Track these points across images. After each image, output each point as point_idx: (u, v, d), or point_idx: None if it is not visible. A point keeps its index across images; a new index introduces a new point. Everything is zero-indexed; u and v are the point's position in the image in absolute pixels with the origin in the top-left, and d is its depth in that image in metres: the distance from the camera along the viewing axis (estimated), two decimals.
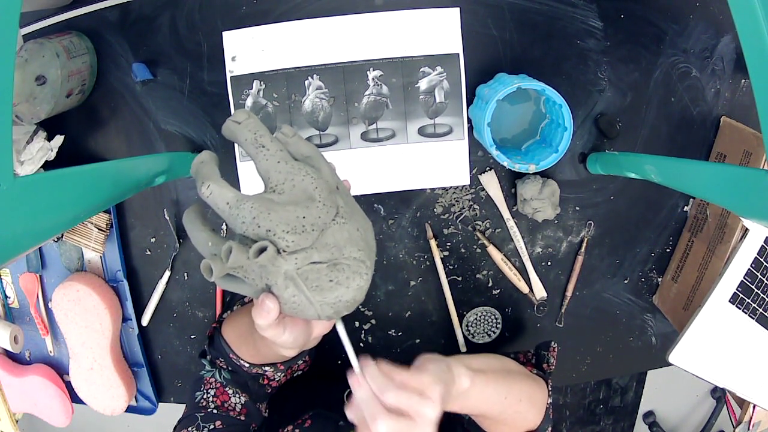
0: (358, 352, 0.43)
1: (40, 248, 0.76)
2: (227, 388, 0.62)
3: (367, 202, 0.73)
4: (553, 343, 0.68)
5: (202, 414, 0.59)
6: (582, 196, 0.75)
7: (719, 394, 1.69)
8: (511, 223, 0.74)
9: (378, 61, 0.69)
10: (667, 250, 0.78)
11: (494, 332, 0.78)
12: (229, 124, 0.42)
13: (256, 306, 0.41)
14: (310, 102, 0.70)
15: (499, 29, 0.69)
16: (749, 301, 0.65)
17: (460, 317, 0.77)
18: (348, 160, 0.71)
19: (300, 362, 0.65)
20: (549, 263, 0.77)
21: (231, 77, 0.69)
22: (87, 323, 0.73)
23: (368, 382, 0.42)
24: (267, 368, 0.61)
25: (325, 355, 0.72)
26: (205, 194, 0.40)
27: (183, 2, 0.68)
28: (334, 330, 0.46)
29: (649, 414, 1.74)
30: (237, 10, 0.68)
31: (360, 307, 0.75)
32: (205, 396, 0.61)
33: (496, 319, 0.77)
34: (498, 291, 0.77)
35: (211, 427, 0.58)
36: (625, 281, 0.79)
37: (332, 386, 0.66)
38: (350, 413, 0.43)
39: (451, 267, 0.75)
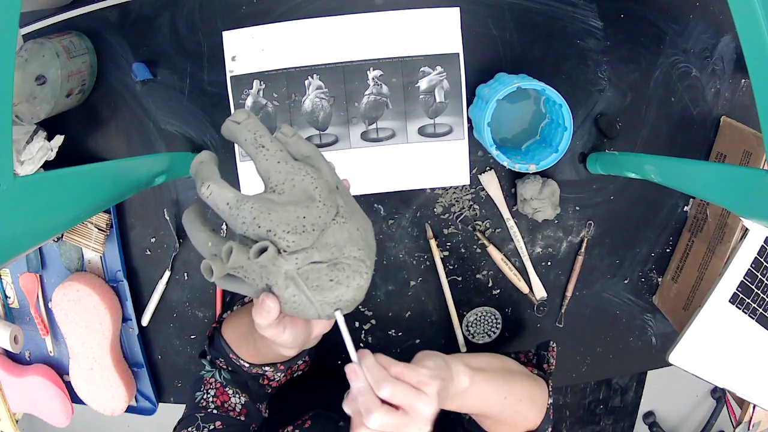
0: (358, 350, 0.43)
1: (40, 248, 0.76)
2: (227, 389, 0.62)
3: (367, 202, 0.73)
4: (552, 343, 0.68)
5: (202, 414, 0.59)
6: (582, 196, 0.75)
7: (719, 394, 1.69)
8: (511, 223, 0.74)
9: (378, 60, 0.69)
10: (667, 250, 0.78)
11: (494, 332, 0.78)
12: (228, 124, 0.42)
13: (256, 306, 0.41)
14: (310, 102, 0.70)
15: (499, 29, 0.69)
16: (749, 301, 0.65)
17: (460, 317, 0.77)
18: (348, 159, 0.71)
19: (300, 362, 0.65)
20: (549, 263, 0.77)
21: (231, 77, 0.69)
22: (87, 323, 0.73)
23: (365, 373, 0.41)
24: (267, 368, 0.61)
25: (325, 355, 0.72)
26: (204, 194, 0.40)
27: (183, 2, 0.68)
28: (334, 330, 0.46)
29: (649, 414, 1.74)
30: (237, 10, 0.68)
31: (360, 307, 0.75)
32: (205, 396, 0.61)
33: (496, 319, 0.77)
34: (498, 291, 0.77)
35: (211, 427, 0.58)
36: (625, 281, 0.79)
37: (332, 386, 0.66)
38: (347, 406, 0.42)
39: (451, 267, 0.75)
